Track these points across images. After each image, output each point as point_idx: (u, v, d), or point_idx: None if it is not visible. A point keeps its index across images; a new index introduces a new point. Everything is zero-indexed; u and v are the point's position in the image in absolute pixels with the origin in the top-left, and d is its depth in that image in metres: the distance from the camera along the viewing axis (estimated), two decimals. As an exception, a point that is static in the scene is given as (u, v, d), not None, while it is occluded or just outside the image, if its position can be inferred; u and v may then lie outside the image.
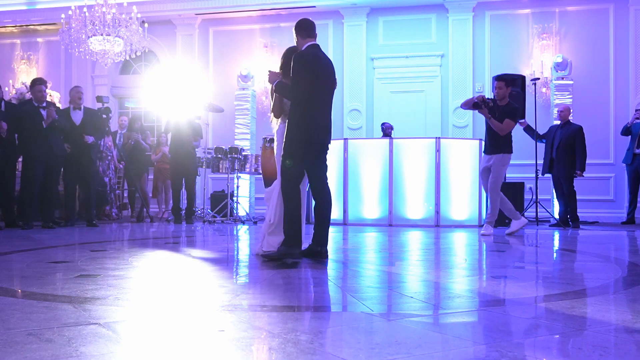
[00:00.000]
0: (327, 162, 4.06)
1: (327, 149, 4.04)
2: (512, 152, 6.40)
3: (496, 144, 6.34)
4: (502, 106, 6.35)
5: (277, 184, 4.06)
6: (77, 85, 8.23)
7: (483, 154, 6.64)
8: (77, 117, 7.60)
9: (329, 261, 3.84)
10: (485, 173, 6.49)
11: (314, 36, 4.05)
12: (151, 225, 8.04)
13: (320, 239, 3.91)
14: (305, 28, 4.03)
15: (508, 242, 5.71)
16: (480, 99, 6.32)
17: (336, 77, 4.11)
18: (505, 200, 6.42)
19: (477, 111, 6.48)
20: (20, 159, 7.45)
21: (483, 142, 7.15)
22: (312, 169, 3.96)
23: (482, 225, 7.10)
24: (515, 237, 6.22)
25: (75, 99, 7.66)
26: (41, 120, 7.06)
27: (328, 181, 4.07)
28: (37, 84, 7.26)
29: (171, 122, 8.71)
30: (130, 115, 10.42)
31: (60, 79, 11.62)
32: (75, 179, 7.70)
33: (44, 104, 7.20)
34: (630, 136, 8.76)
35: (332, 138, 4.12)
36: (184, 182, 8.64)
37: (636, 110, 8.88)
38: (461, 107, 6.72)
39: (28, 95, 9.21)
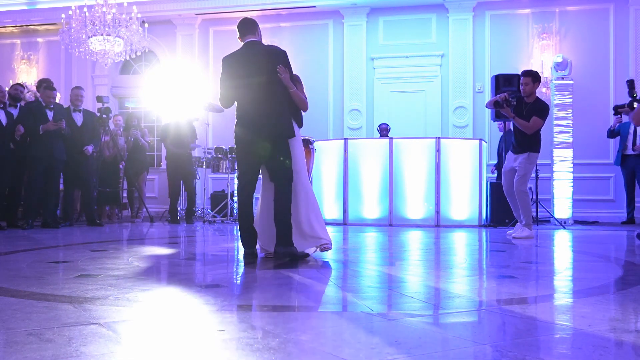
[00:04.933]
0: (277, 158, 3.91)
1: (283, 143, 3.91)
2: (539, 152, 6.14)
3: (523, 142, 6.07)
4: (530, 103, 6.06)
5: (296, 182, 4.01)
6: (78, 86, 8.22)
7: (510, 152, 6.35)
8: (78, 118, 7.64)
9: (329, 261, 3.84)
10: (509, 174, 6.23)
11: (247, 34, 4.03)
12: (151, 226, 8.05)
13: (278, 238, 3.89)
14: (239, 28, 4.09)
15: (508, 242, 5.70)
16: (502, 98, 6.06)
17: (269, 66, 3.90)
18: (529, 203, 6.21)
19: (500, 110, 6.18)
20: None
21: (484, 143, 7.15)
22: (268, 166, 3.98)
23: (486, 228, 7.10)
24: (515, 238, 6.20)
25: (74, 100, 7.69)
26: (45, 122, 7.08)
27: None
28: (49, 89, 7.30)
29: (171, 125, 8.70)
30: (126, 116, 10.41)
31: (60, 79, 11.61)
32: (74, 179, 7.71)
33: (52, 106, 7.27)
34: (619, 137, 8.81)
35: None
36: (182, 183, 8.69)
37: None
38: (486, 106, 6.63)
39: (29, 96, 9.22)
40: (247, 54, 3.98)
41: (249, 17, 4.21)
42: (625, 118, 8.85)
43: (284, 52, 4.01)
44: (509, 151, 6.39)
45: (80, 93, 7.75)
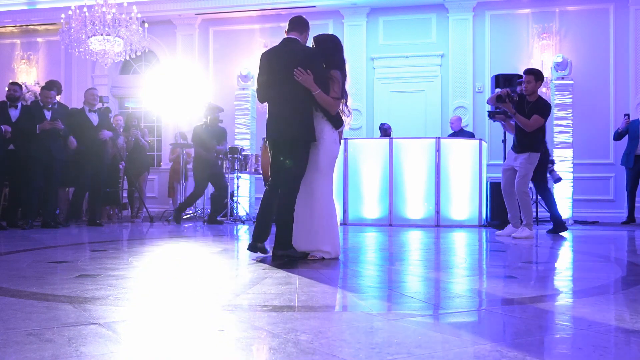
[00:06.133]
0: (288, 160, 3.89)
1: (285, 145, 3.90)
2: (540, 152, 6.09)
3: (524, 141, 6.01)
4: (532, 102, 6.00)
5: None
6: (93, 87, 8.32)
7: (510, 151, 6.30)
8: (94, 118, 7.71)
9: (328, 261, 3.83)
10: (508, 172, 6.18)
11: (290, 31, 4.01)
12: (151, 226, 8.04)
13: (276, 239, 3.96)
14: (289, 24, 4.05)
15: (508, 242, 5.70)
16: (504, 93, 6.02)
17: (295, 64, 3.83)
18: (530, 203, 6.19)
19: (501, 106, 6.12)
20: None
21: (484, 143, 7.15)
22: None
23: (479, 226, 7.10)
24: (515, 238, 6.19)
25: (90, 100, 7.75)
26: (42, 122, 7.10)
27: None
28: (46, 89, 7.34)
29: (200, 127, 8.55)
30: (126, 116, 10.41)
31: (60, 79, 11.56)
32: (88, 180, 7.78)
33: (50, 106, 7.28)
34: (628, 138, 8.78)
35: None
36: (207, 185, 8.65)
37: (626, 115, 8.90)
38: (487, 102, 6.59)
39: (28, 96, 9.23)
40: (279, 51, 3.96)
41: (302, 16, 4.12)
42: (632, 117, 8.84)
43: (313, 54, 3.91)
44: (510, 149, 6.36)
45: (96, 93, 7.85)
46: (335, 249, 3.93)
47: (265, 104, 4.08)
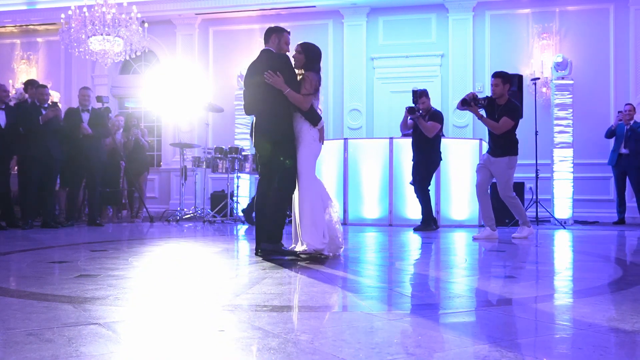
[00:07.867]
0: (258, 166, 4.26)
1: (261, 148, 4.15)
2: (517, 154, 5.99)
3: (498, 145, 5.92)
4: (502, 105, 5.90)
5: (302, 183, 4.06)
6: (86, 86, 8.30)
7: (486, 154, 6.17)
8: (85, 117, 7.69)
9: (328, 261, 3.83)
10: (483, 169, 6.08)
11: (265, 43, 4.24)
12: (151, 226, 8.05)
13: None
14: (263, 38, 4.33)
15: (508, 242, 5.70)
16: (470, 97, 5.91)
17: (258, 71, 4.09)
18: (520, 204, 6.14)
19: (468, 109, 6.04)
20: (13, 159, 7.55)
21: (484, 142, 7.14)
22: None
23: (478, 228, 7.09)
24: (515, 238, 6.17)
25: (82, 100, 7.75)
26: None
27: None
28: (42, 87, 7.38)
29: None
30: (126, 116, 10.40)
31: (60, 79, 11.61)
32: (80, 179, 7.75)
33: (46, 105, 7.28)
34: (614, 137, 8.80)
35: (328, 136, 4.11)
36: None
37: (619, 112, 8.91)
38: (457, 107, 6.54)
39: (27, 96, 9.20)
40: (256, 62, 4.20)
41: (272, 26, 4.37)
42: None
43: (280, 58, 4.12)
44: (486, 152, 6.22)
45: (87, 93, 7.85)
46: (322, 244, 3.91)
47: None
